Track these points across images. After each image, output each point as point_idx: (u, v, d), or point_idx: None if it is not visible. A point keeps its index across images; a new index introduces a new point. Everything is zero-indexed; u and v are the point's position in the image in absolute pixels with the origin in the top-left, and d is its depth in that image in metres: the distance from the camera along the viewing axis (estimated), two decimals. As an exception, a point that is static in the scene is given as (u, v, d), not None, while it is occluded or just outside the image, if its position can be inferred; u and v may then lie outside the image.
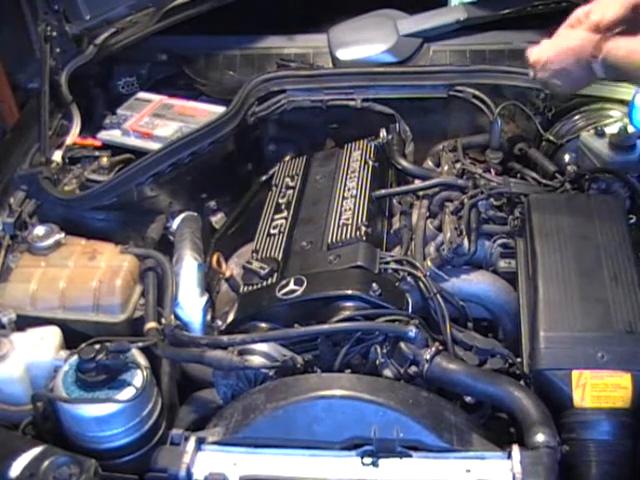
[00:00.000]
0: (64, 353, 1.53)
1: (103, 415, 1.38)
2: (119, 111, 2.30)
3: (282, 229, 1.91)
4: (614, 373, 1.40)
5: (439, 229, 1.85)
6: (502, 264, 1.81)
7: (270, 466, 1.38)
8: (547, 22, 1.91)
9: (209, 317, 1.81)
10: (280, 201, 2.02)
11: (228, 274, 1.84)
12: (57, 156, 2.08)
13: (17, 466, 1.30)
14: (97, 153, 2.12)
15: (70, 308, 1.69)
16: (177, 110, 2.29)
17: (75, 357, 1.44)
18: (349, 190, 1.95)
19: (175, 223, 2.02)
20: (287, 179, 2.11)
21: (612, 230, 1.67)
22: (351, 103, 2.26)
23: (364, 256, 1.71)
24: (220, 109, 2.24)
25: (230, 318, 1.73)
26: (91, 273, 1.73)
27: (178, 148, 2.05)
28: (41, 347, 1.54)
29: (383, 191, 1.97)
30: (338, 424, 1.38)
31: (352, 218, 1.83)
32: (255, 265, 1.80)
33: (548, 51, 1.69)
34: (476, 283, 1.78)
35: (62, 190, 1.99)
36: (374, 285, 1.62)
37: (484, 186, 1.87)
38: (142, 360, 1.46)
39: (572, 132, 2.08)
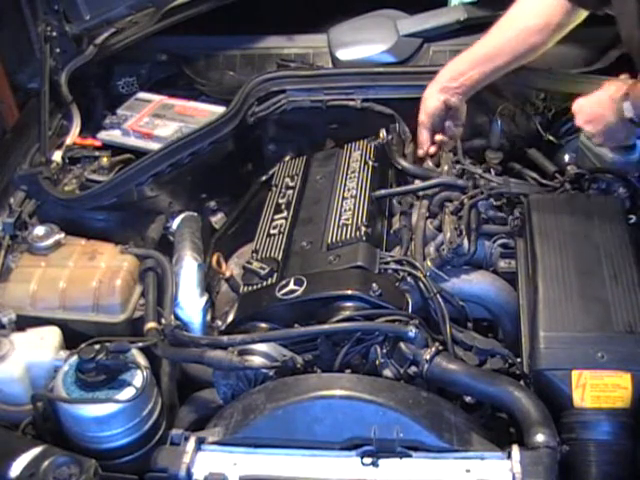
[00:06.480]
0: (64, 353, 1.53)
1: (103, 415, 1.38)
2: (119, 111, 2.30)
3: (282, 229, 1.90)
4: (614, 373, 1.40)
5: (439, 229, 1.84)
6: (502, 264, 1.81)
7: (270, 466, 1.38)
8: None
9: (209, 317, 1.81)
10: (280, 201, 2.02)
11: (228, 274, 1.84)
12: (57, 156, 2.07)
13: (17, 466, 1.30)
14: (97, 153, 2.11)
15: (70, 308, 1.69)
16: (177, 110, 2.29)
17: (75, 357, 1.44)
18: (349, 190, 1.94)
19: (175, 223, 2.01)
20: (287, 179, 2.11)
21: (612, 230, 1.67)
22: (351, 103, 2.26)
23: (364, 256, 1.71)
24: (220, 109, 2.24)
25: (230, 318, 1.73)
26: (91, 273, 1.73)
27: (178, 148, 2.05)
28: (41, 347, 1.55)
29: (383, 191, 1.97)
30: (338, 424, 1.38)
31: (352, 218, 1.83)
32: (255, 265, 1.80)
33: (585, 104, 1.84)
34: (476, 283, 1.77)
35: (62, 190, 1.99)
36: (374, 285, 1.62)
37: (484, 186, 1.87)
38: (142, 360, 1.46)
39: (572, 132, 2.08)
